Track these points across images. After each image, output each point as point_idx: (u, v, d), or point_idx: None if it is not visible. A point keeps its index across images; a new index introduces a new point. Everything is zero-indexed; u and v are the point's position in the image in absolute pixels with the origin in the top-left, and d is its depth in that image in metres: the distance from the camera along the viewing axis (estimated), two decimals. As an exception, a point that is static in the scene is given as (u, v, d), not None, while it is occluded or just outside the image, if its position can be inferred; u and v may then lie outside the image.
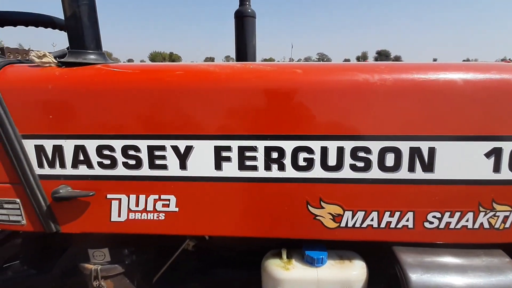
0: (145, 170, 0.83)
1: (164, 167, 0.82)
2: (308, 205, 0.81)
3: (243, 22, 1.59)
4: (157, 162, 0.82)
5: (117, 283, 1.02)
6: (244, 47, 1.64)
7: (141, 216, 0.86)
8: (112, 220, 0.87)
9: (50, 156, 0.84)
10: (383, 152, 0.77)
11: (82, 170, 0.84)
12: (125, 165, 0.83)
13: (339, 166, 0.78)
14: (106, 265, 0.99)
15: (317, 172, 0.79)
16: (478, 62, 0.85)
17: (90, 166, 0.84)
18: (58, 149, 0.83)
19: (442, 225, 0.80)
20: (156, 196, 0.84)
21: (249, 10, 1.58)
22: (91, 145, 0.82)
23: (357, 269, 0.85)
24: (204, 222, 0.86)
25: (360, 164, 0.78)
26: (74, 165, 0.84)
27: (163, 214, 0.85)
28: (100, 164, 0.83)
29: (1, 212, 0.91)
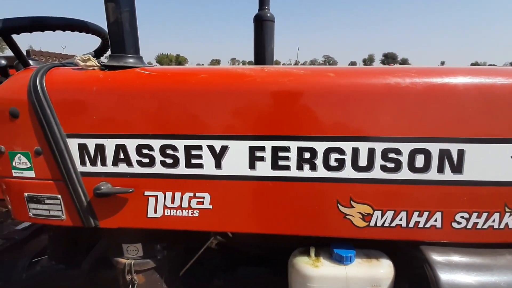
0: (181, 169, 0.87)
1: (200, 166, 0.86)
2: (338, 204, 0.84)
3: (262, 26, 1.63)
4: (194, 161, 0.86)
5: (148, 278, 1.06)
6: (262, 51, 1.68)
7: (176, 213, 0.90)
8: (148, 216, 0.91)
9: (92, 154, 0.89)
10: (413, 153, 0.79)
11: (122, 168, 0.89)
12: (163, 163, 0.87)
13: (369, 166, 0.81)
14: (139, 259, 1.03)
15: (348, 172, 0.82)
16: (503, 67, 0.87)
17: (129, 164, 0.88)
18: (100, 148, 0.88)
19: (469, 225, 0.82)
20: (191, 194, 0.88)
21: (268, 15, 1.63)
22: (131, 144, 0.87)
23: (384, 268, 0.88)
24: (236, 219, 0.89)
25: (391, 165, 0.80)
26: (115, 163, 0.89)
27: (197, 211, 0.89)
28: (139, 163, 0.88)
29: (43, 207, 0.96)
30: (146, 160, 0.87)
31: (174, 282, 1.16)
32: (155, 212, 0.90)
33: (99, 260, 1.31)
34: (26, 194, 0.95)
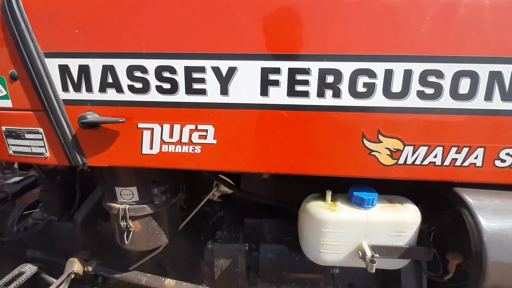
0: (181, 96, 0.74)
1: (202, 92, 0.73)
2: (364, 139, 0.72)
3: None
4: (195, 86, 0.73)
5: (145, 225, 0.97)
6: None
7: (175, 149, 0.78)
8: (143, 152, 0.79)
9: (75, 78, 0.76)
10: (457, 77, 0.67)
11: (111, 94, 0.76)
12: (159, 89, 0.74)
13: (404, 93, 0.68)
14: (134, 205, 0.93)
15: (378, 99, 0.69)
16: None
17: (119, 90, 0.75)
18: (84, 70, 0.75)
19: (515, 164, 0.71)
20: (193, 126, 0.76)
21: None
22: (121, 65, 0.73)
23: (410, 212, 0.78)
24: (245, 157, 0.78)
25: (429, 90, 0.68)
26: (102, 88, 0.76)
27: (199, 147, 0.78)
28: (131, 88, 0.75)
29: (23, 143, 0.84)
30: (139, 85, 0.74)
31: (175, 233, 1.08)
32: (151, 148, 0.79)
33: (93, 211, 1.23)
34: (3, 128, 0.83)
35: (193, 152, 0.78)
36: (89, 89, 0.76)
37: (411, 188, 0.91)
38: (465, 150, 0.71)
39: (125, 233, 0.95)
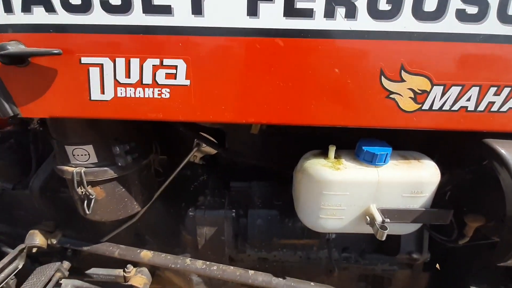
0: (136, 16, 0.54)
1: (167, 10, 0.53)
2: (382, 76, 0.56)
3: None
4: (156, 1, 0.52)
5: (109, 192, 0.81)
6: None
7: (134, 93, 0.60)
8: (92, 98, 0.60)
9: None
10: None
11: (39, 15, 0.54)
12: (105, 6, 0.53)
13: (440, 12, 0.51)
14: (92, 167, 0.76)
15: (404, 22, 0.52)
16: None
17: (49, 8, 0.54)
18: None
19: None
20: (156, 61, 0.57)
21: None
22: None
23: (428, 170, 0.66)
24: (227, 104, 0.60)
25: (473, 9, 0.51)
26: (26, 7, 0.54)
27: (167, 90, 0.59)
28: (65, 5, 0.54)
29: None
30: (76, 0, 0.53)
31: (149, 200, 0.92)
32: (102, 92, 0.60)
33: (54, 177, 1.05)
34: None
35: (159, 97, 0.60)
36: (7, 8, 0.55)
37: (421, 141, 0.77)
38: (506, 91, 0.56)
39: (85, 202, 0.79)
